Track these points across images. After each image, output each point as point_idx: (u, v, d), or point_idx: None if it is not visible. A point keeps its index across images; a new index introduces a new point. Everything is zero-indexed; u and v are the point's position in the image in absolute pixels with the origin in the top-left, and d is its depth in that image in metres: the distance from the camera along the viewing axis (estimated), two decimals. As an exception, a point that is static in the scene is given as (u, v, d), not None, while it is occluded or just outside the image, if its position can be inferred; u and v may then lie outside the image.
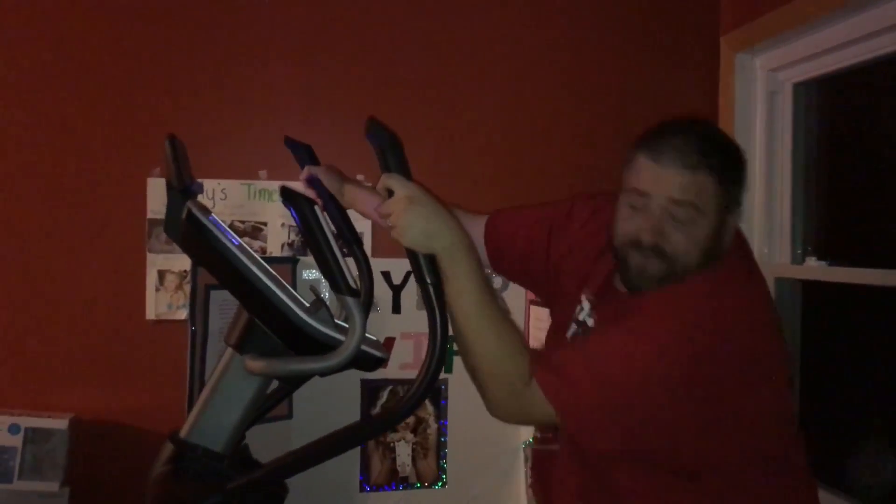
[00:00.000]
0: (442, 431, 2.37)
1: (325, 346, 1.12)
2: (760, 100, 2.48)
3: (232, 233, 1.15)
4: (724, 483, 1.26)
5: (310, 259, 2.24)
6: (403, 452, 2.36)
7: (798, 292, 2.41)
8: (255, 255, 1.16)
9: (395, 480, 2.35)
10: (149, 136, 2.33)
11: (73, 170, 2.32)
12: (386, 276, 2.33)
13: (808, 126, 2.43)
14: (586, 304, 1.40)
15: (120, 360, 2.33)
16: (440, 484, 2.38)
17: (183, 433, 1.17)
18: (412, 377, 1.11)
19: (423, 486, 2.37)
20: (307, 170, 1.51)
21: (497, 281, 2.09)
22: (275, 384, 1.29)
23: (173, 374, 2.21)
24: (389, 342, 2.30)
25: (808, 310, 2.40)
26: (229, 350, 1.17)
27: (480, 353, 1.19)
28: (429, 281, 1.13)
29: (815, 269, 2.28)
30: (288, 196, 1.08)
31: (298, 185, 1.36)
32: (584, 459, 1.33)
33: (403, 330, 2.33)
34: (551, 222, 1.53)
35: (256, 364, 1.12)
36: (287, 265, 2.28)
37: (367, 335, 1.12)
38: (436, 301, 1.12)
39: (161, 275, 2.34)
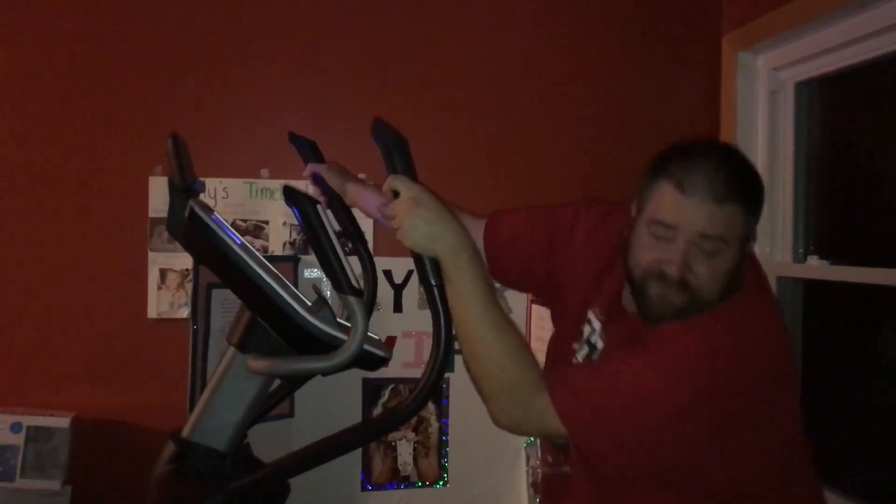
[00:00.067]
0: (443, 430, 2.38)
1: (327, 346, 1.12)
2: (762, 99, 2.48)
3: (234, 231, 1.15)
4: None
5: (311, 258, 2.24)
6: (405, 451, 2.36)
7: (799, 291, 2.41)
8: (258, 253, 1.16)
9: (396, 479, 2.36)
10: (151, 135, 2.33)
11: (75, 168, 2.32)
12: (387, 274, 2.33)
13: (810, 125, 2.43)
14: (596, 325, 1.38)
15: (122, 358, 2.33)
16: (441, 483, 2.38)
17: (185, 432, 1.18)
18: (413, 376, 1.11)
19: (424, 485, 2.37)
20: (310, 167, 1.51)
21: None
22: (276, 383, 1.29)
23: (175, 372, 2.21)
24: (391, 341, 2.31)
25: (810, 309, 2.40)
26: (231, 349, 1.18)
27: (484, 358, 1.19)
28: (433, 283, 1.13)
29: (817, 268, 2.28)
30: (291, 195, 1.08)
31: (305, 183, 1.35)
32: (598, 482, 1.31)
33: (405, 329, 2.33)
34: (553, 232, 1.50)
35: (258, 363, 1.12)
36: (289, 264, 2.28)
37: (369, 334, 1.12)
38: (440, 303, 1.12)
39: (163, 273, 2.35)
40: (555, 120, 2.56)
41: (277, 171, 2.39)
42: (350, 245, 1.47)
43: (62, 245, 2.31)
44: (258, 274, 1.11)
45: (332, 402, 2.22)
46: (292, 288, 1.15)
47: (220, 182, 2.38)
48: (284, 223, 2.41)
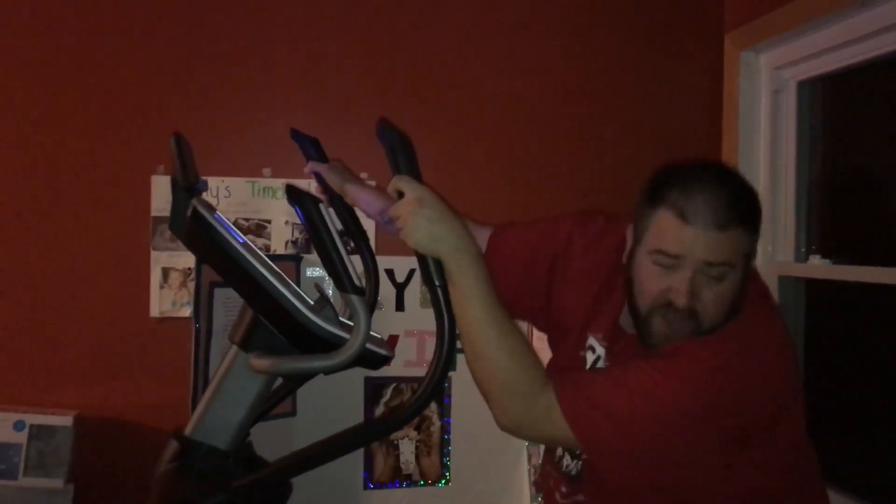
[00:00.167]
0: (445, 429, 2.38)
1: (329, 345, 1.12)
2: (764, 98, 2.48)
3: (236, 230, 1.15)
4: None
5: (314, 257, 2.25)
6: (407, 450, 2.36)
7: (801, 291, 2.41)
8: (260, 252, 1.16)
9: (398, 478, 2.36)
10: (153, 134, 2.33)
11: (78, 167, 2.32)
12: (389, 273, 2.33)
13: (812, 124, 2.43)
14: (600, 350, 1.38)
15: (124, 357, 2.34)
16: (444, 481, 2.38)
17: (187, 431, 1.18)
18: (416, 375, 1.11)
19: (426, 484, 2.37)
20: (310, 165, 1.51)
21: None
22: (279, 381, 1.29)
23: (177, 371, 2.21)
24: (393, 340, 2.31)
25: (812, 308, 2.40)
26: (234, 348, 1.17)
27: (487, 359, 1.18)
28: (436, 283, 1.13)
29: (819, 267, 2.28)
30: (293, 194, 1.08)
31: (307, 182, 1.35)
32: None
33: (407, 328, 2.32)
34: (551, 250, 1.48)
35: (261, 362, 1.12)
36: (291, 263, 2.28)
37: (371, 333, 1.12)
38: (444, 304, 1.12)
39: (165, 272, 2.35)
40: (557, 120, 2.56)
41: (280, 170, 2.39)
42: (352, 244, 1.47)
43: (65, 244, 2.31)
44: (260, 273, 1.11)
45: (334, 400, 2.21)
46: (295, 287, 1.15)
47: (223, 181, 2.38)
48: (287, 222, 2.42)
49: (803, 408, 1.29)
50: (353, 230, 1.50)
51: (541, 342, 2.13)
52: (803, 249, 2.41)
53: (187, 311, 2.31)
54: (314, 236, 1.08)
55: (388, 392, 2.35)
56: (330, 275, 1.08)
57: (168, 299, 2.35)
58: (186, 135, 1.20)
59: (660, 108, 2.60)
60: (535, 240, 1.53)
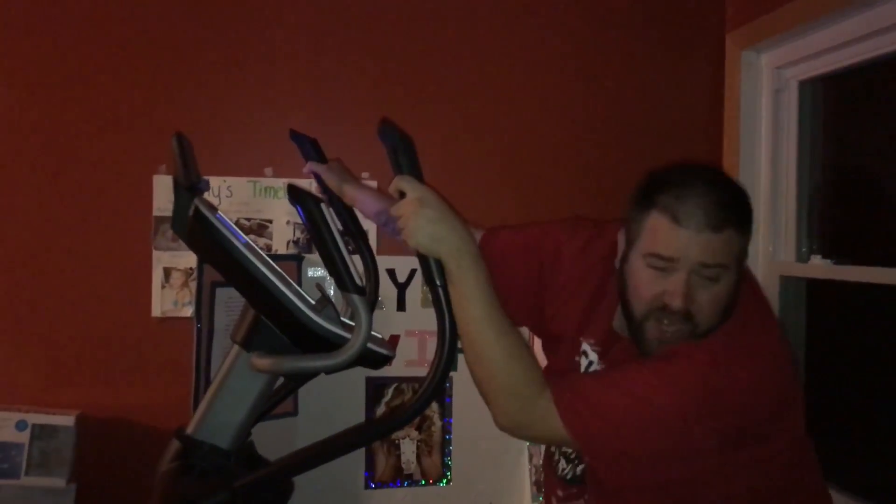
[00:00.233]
0: (447, 429, 2.38)
1: (331, 344, 1.12)
2: (766, 97, 2.48)
3: (238, 230, 1.15)
4: None
5: (315, 256, 2.25)
6: (408, 450, 2.36)
7: (803, 291, 2.41)
8: (262, 252, 1.16)
9: (399, 477, 2.36)
10: (155, 134, 2.33)
11: (80, 167, 2.32)
12: (391, 273, 2.33)
13: (814, 124, 2.43)
14: (593, 355, 1.39)
15: (126, 357, 2.34)
16: (445, 481, 2.38)
17: (189, 430, 1.18)
18: (417, 374, 1.11)
19: (427, 484, 2.37)
20: (309, 165, 1.52)
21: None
22: (280, 381, 1.29)
23: (179, 371, 2.22)
24: (394, 339, 2.31)
25: (813, 309, 2.40)
26: (235, 347, 1.18)
27: (486, 360, 1.19)
28: (438, 283, 1.13)
29: (820, 267, 2.28)
30: (295, 194, 1.08)
31: (308, 182, 1.35)
32: None
33: (408, 327, 2.32)
34: (541, 256, 1.48)
35: (262, 361, 1.13)
36: (293, 262, 2.28)
37: (372, 333, 1.12)
38: (445, 304, 1.12)
39: (167, 272, 2.35)
40: (558, 120, 2.56)
41: (281, 170, 2.39)
42: (353, 244, 1.47)
43: (67, 244, 2.32)
44: (262, 272, 1.11)
45: (335, 400, 2.22)
46: (296, 286, 1.16)
47: (224, 181, 2.38)
48: (288, 222, 2.42)
49: (802, 406, 1.29)
50: (352, 230, 1.50)
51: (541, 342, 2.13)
52: (804, 249, 2.41)
53: (189, 311, 2.32)
54: (315, 236, 1.08)
55: (390, 392, 2.35)
56: (331, 274, 1.08)
57: (170, 299, 2.35)
58: (188, 134, 1.21)
59: (661, 108, 2.60)
60: (523, 245, 1.52)
